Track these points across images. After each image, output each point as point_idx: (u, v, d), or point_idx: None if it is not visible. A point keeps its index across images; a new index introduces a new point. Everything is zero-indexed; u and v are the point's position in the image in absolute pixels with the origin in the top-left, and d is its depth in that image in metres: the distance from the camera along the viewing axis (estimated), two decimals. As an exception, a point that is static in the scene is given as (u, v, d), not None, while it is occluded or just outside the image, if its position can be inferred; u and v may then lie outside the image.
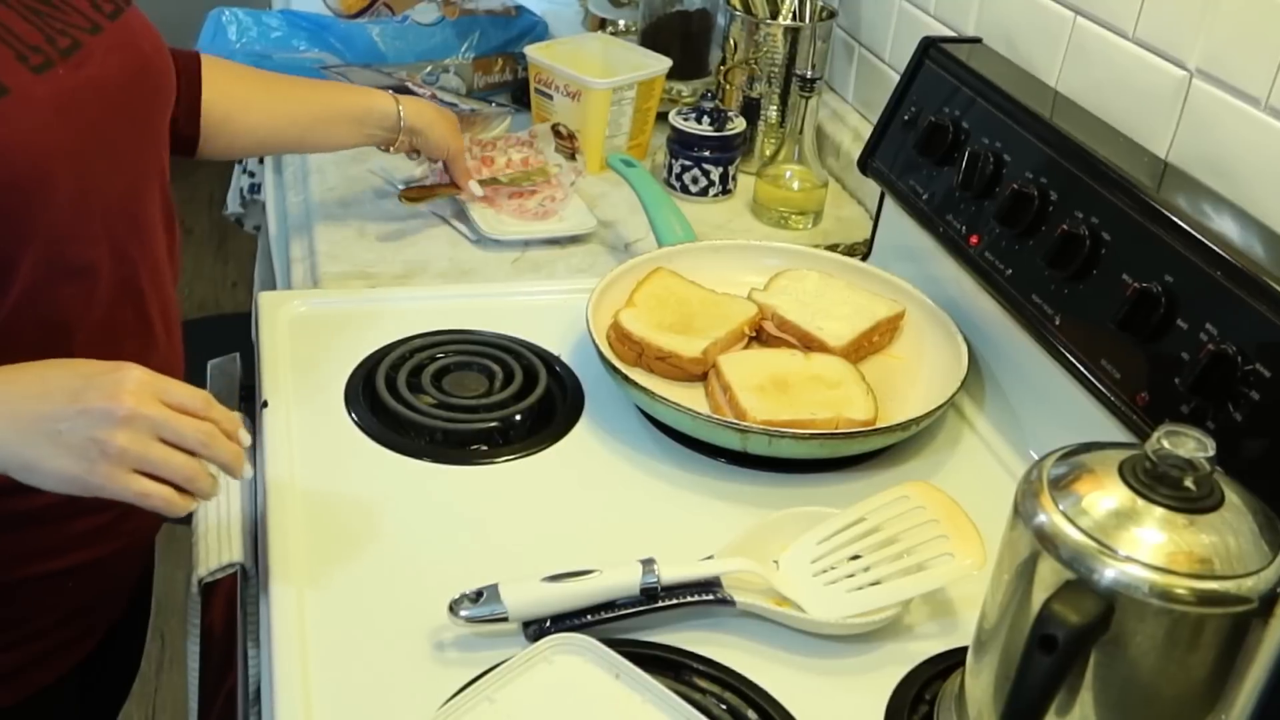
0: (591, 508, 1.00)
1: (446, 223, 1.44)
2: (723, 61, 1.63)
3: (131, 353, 0.96)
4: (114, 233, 0.94)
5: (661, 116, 1.63)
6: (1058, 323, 1.01)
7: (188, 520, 0.99)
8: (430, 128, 1.34)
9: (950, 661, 0.86)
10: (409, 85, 1.61)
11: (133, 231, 0.96)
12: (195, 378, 1.15)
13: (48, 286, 0.90)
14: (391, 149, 1.35)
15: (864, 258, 1.36)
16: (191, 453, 0.81)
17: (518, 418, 1.09)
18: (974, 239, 1.14)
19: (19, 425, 0.78)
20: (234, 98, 1.17)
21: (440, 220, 1.44)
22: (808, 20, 1.58)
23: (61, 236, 0.89)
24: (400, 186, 1.47)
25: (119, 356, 0.89)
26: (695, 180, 1.55)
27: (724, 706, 0.81)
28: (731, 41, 1.60)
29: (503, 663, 0.81)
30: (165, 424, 0.79)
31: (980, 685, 0.76)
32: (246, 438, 0.85)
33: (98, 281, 0.93)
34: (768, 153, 1.59)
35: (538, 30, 1.85)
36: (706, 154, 1.54)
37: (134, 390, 0.79)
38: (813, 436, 1.02)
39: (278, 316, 1.20)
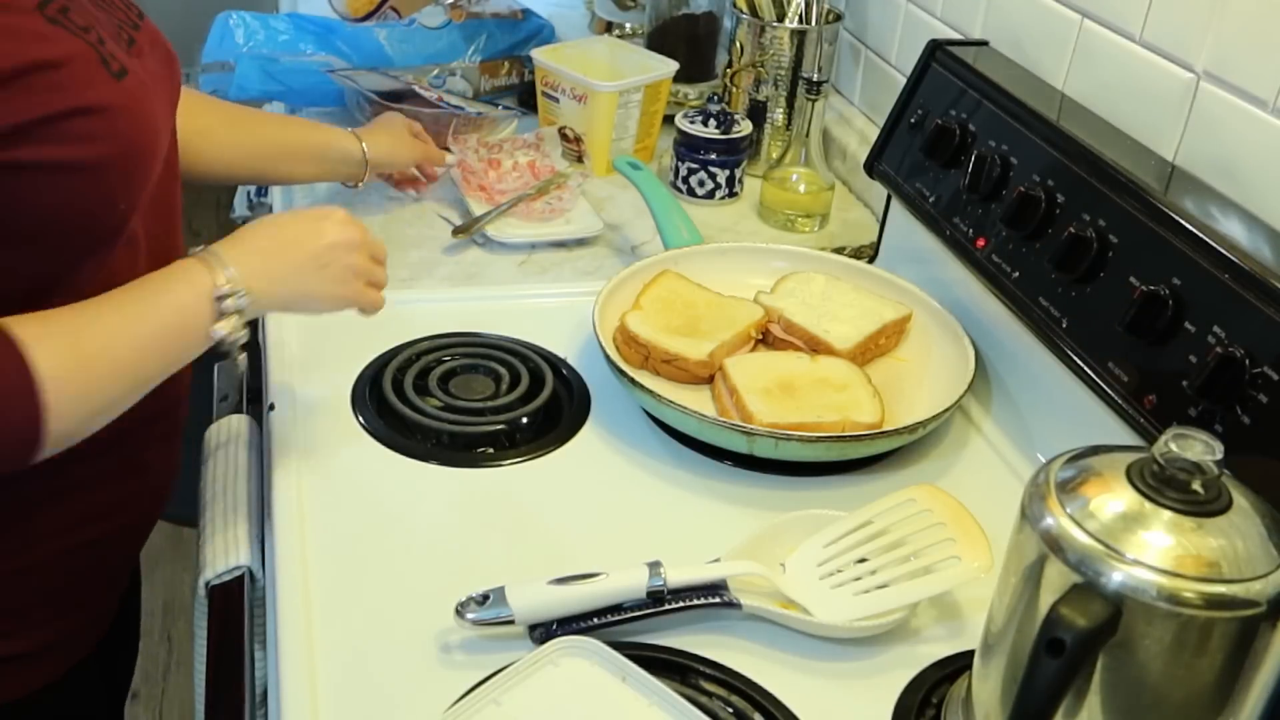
0: (598, 510, 1.00)
1: (450, 224, 1.44)
2: (729, 64, 1.63)
3: None
4: (154, 210, 0.96)
5: (668, 119, 1.63)
6: (1065, 325, 1.01)
7: (194, 523, 0.99)
8: (391, 156, 1.40)
9: (957, 665, 0.86)
10: (415, 88, 1.62)
11: (160, 213, 0.98)
12: (202, 379, 1.16)
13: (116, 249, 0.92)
14: (359, 185, 1.39)
15: (870, 260, 1.36)
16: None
17: (524, 420, 1.09)
18: (981, 242, 1.14)
19: (299, 266, 0.95)
20: (198, 129, 1.18)
21: (447, 223, 1.44)
22: (814, 23, 1.58)
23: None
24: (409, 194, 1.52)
25: None
26: (702, 183, 1.55)
27: (730, 710, 0.81)
28: (738, 44, 1.60)
29: (509, 666, 0.81)
30: (373, 245, 1.00)
31: (988, 689, 0.76)
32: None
33: (139, 253, 0.95)
34: (774, 155, 1.59)
35: (544, 33, 1.85)
36: (713, 157, 1.54)
37: (351, 221, 0.98)
38: (819, 439, 1.01)
39: (284, 319, 1.20)
